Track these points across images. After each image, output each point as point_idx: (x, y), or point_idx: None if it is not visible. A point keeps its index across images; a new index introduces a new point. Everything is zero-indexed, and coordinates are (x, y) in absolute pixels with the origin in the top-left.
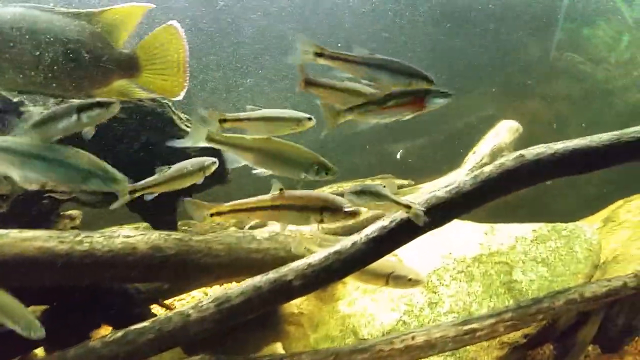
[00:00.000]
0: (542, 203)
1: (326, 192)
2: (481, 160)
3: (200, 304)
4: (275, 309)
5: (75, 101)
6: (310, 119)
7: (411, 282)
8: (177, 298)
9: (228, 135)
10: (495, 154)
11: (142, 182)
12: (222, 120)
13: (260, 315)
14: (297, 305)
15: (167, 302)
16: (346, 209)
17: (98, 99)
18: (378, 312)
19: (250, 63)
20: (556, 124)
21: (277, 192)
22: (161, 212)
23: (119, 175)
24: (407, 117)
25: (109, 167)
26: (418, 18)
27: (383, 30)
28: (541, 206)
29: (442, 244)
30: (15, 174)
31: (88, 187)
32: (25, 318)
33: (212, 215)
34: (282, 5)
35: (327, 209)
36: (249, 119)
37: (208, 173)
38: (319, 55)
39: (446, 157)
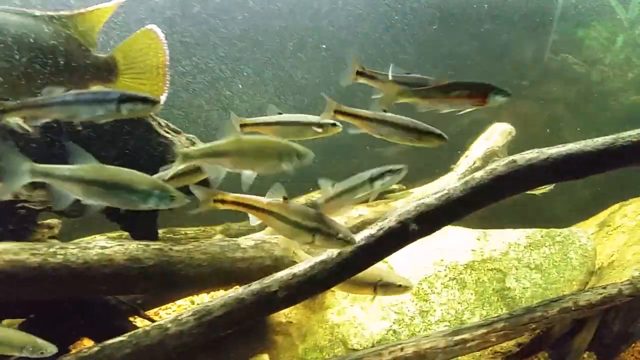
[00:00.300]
0: (536, 207)
1: (315, 197)
2: (474, 164)
3: (179, 317)
4: (263, 318)
5: (116, 90)
6: (334, 124)
7: (400, 288)
8: (162, 307)
9: (200, 147)
10: (487, 158)
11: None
12: (242, 125)
13: (248, 325)
14: (285, 314)
15: (152, 311)
16: (339, 236)
17: (144, 94)
18: (368, 321)
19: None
20: (551, 126)
21: (279, 199)
22: (141, 221)
23: (177, 192)
24: (465, 111)
25: (166, 186)
26: (410, 19)
27: (373, 31)
28: (535, 210)
29: (434, 251)
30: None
31: (148, 206)
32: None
33: (215, 201)
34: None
35: (319, 232)
36: (267, 123)
37: None
38: (360, 74)
39: (438, 161)
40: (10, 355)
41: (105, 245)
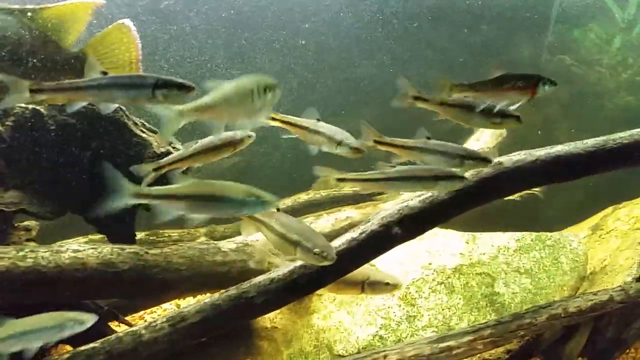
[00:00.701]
0: (528, 209)
1: (303, 198)
2: None
3: (153, 323)
4: (247, 323)
5: (152, 75)
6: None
7: (389, 287)
8: (148, 311)
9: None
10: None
11: (168, 157)
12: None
13: (231, 330)
14: (270, 319)
15: (137, 315)
16: (316, 251)
17: (180, 80)
18: (354, 327)
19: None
20: (545, 127)
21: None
22: (117, 223)
23: (270, 197)
24: (518, 104)
25: (260, 192)
26: (404, 18)
27: (365, 31)
28: (527, 212)
29: (422, 254)
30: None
31: (245, 213)
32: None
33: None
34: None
35: (300, 245)
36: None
37: (240, 147)
38: (416, 98)
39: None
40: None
41: (78, 249)
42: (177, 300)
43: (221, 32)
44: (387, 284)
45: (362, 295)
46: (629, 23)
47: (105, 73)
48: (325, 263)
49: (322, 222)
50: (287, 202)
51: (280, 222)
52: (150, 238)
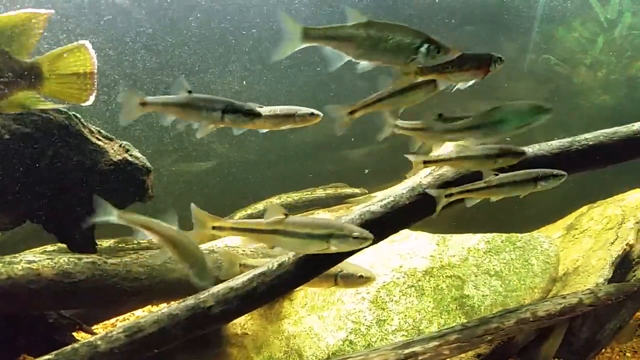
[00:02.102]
0: (502, 209)
1: (274, 202)
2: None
3: (109, 334)
4: (218, 330)
5: (221, 98)
6: None
7: (362, 279)
8: (120, 319)
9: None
10: None
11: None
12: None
13: (200, 336)
14: (241, 325)
15: (109, 322)
16: (355, 235)
17: (249, 106)
18: (324, 332)
19: None
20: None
21: (279, 217)
22: (77, 232)
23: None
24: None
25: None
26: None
27: None
28: (501, 213)
29: (393, 256)
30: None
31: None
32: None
33: (213, 228)
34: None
35: (334, 237)
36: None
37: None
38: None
39: (404, 164)
40: None
41: (33, 260)
42: (149, 307)
43: None
44: (361, 276)
45: (334, 301)
46: (612, 22)
47: (190, 92)
48: (366, 244)
49: None
50: (259, 206)
51: (297, 223)
52: (119, 245)
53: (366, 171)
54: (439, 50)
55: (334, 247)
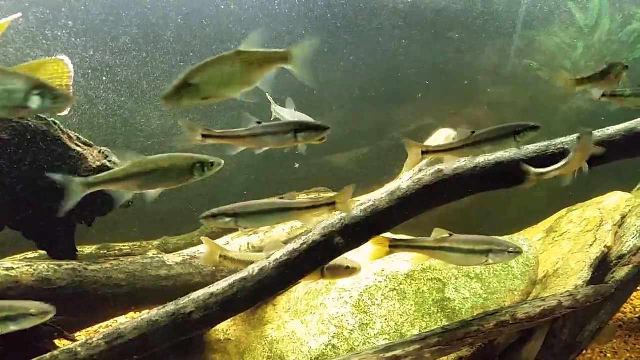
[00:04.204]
0: (485, 212)
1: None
2: (419, 170)
3: (89, 341)
4: (201, 336)
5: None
6: None
7: (349, 270)
8: (102, 325)
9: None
10: (433, 163)
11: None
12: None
13: (183, 343)
14: (224, 330)
15: (92, 329)
16: (510, 250)
17: (316, 123)
18: (307, 337)
19: None
20: None
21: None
22: (57, 238)
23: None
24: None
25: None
26: (377, 25)
27: (334, 38)
28: (481, 216)
29: (375, 260)
30: None
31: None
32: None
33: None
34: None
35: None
36: None
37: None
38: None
39: (386, 168)
40: None
41: (11, 267)
42: (132, 314)
43: None
44: (347, 267)
45: (317, 305)
46: (591, 28)
47: (259, 122)
48: (518, 256)
49: (278, 231)
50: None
51: (462, 240)
52: (101, 252)
53: (296, 165)
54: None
55: (491, 261)
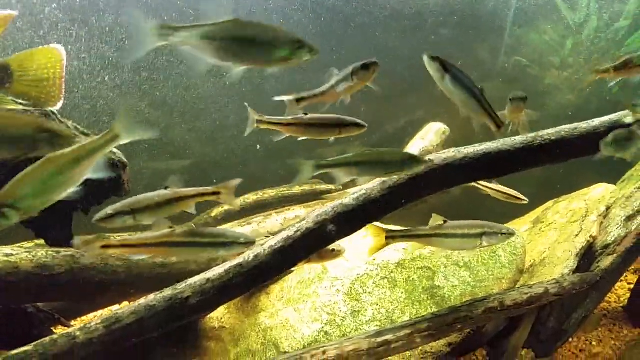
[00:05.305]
0: (473, 205)
1: (251, 199)
2: None
3: (88, 325)
4: (195, 323)
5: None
6: None
7: (334, 252)
8: (98, 314)
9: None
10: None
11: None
12: None
13: (178, 331)
14: (218, 319)
15: (92, 315)
16: (503, 232)
17: (355, 120)
18: (300, 324)
19: None
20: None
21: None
22: (54, 226)
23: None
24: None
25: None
26: (366, 21)
27: (328, 32)
28: (471, 208)
29: (366, 249)
30: None
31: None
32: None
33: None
34: None
35: (485, 234)
36: None
37: None
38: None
39: None
40: None
41: (11, 253)
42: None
43: None
44: (333, 250)
45: (309, 294)
46: (580, 26)
47: (306, 114)
48: (513, 238)
49: (271, 222)
50: (236, 202)
51: (455, 226)
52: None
53: (258, 147)
54: (310, 50)
55: (485, 243)
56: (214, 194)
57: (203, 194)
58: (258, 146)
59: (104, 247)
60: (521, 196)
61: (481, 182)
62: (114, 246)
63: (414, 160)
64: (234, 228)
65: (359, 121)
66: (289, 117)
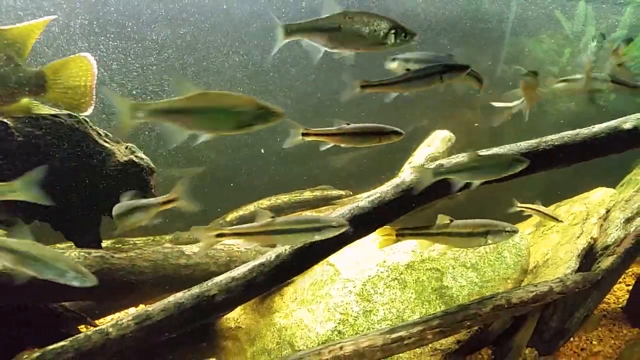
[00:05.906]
0: (478, 209)
1: (265, 204)
2: (422, 165)
3: (120, 322)
4: (213, 324)
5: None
6: None
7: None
8: (123, 313)
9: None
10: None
11: None
12: None
13: (197, 331)
14: (234, 319)
15: (116, 315)
16: (507, 229)
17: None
18: (314, 323)
19: None
20: (494, 131)
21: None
22: (83, 228)
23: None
24: None
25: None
26: None
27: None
28: (476, 212)
29: (377, 252)
30: None
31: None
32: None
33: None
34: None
35: (490, 232)
36: None
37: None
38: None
39: (386, 167)
40: None
41: None
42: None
43: None
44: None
45: (322, 295)
46: (577, 35)
47: (348, 124)
48: (515, 235)
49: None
50: (250, 207)
51: (461, 225)
52: (116, 246)
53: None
54: (406, 34)
55: (490, 241)
56: (170, 201)
57: (167, 202)
58: (262, 150)
59: (218, 235)
60: (559, 217)
61: (522, 204)
62: (227, 234)
63: (517, 161)
64: None
65: (397, 129)
66: (333, 128)
